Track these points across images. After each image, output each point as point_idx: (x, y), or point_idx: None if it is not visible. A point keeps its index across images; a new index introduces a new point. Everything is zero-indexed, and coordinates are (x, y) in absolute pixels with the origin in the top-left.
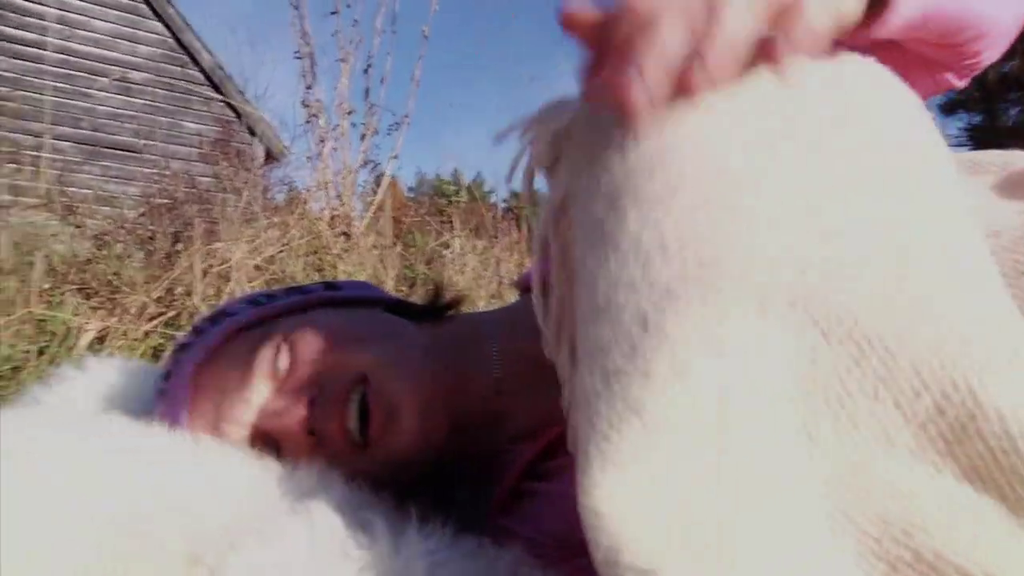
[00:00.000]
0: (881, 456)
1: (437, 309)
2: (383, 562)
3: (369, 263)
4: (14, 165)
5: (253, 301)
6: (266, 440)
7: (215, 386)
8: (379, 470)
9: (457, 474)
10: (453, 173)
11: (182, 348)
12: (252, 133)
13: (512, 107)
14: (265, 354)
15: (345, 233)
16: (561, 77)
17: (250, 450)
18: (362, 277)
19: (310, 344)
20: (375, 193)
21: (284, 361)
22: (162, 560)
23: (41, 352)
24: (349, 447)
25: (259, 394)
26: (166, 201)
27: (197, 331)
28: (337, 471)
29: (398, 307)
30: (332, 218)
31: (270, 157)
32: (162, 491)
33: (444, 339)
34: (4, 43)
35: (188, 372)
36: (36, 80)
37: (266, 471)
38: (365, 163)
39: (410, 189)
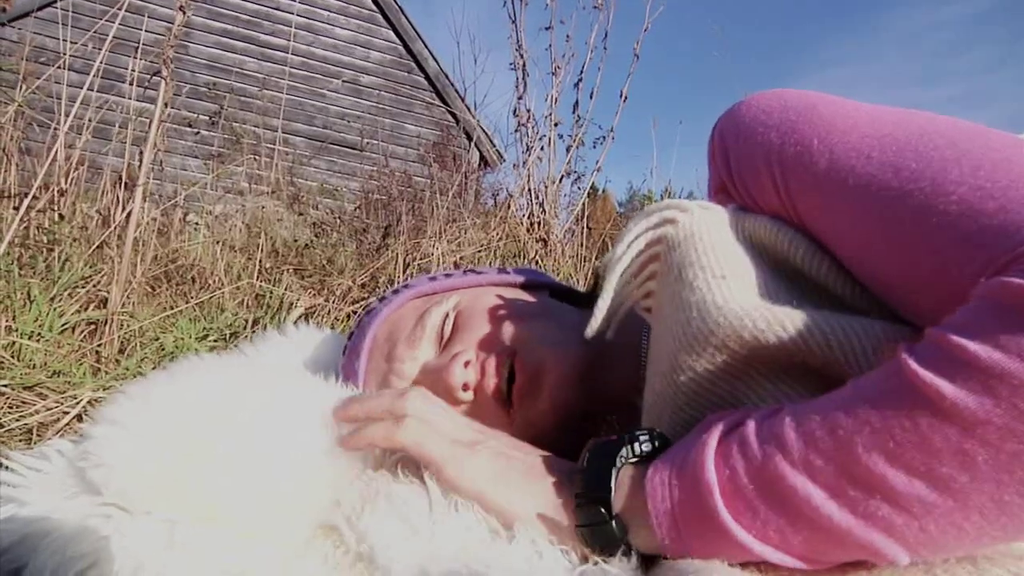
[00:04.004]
0: None
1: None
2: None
3: (564, 271)
4: (254, 156)
5: (432, 277)
6: None
7: (388, 344)
8: (519, 437)
9: None
10: (664, 190)
11: (368, 312)
12: (468, 138)
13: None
14: (434, 320)
15: (543, 239)
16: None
17: None
18: None
19: (474, 317)
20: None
21: (449, 328)
22: (313, 500)
23: (256, 321)
24: (496, 406)
25: (424, 352)
26: (382, 197)
27: (381, 299)
28: None
29: (563, 293)
30: (531, 224)
31: (485, 163)
32: (326, 438)
33: None
34: (257, 47)
35: (368, 331)
36: (280, 81)
37: None
38: (568, 173)
39: (620, 204)
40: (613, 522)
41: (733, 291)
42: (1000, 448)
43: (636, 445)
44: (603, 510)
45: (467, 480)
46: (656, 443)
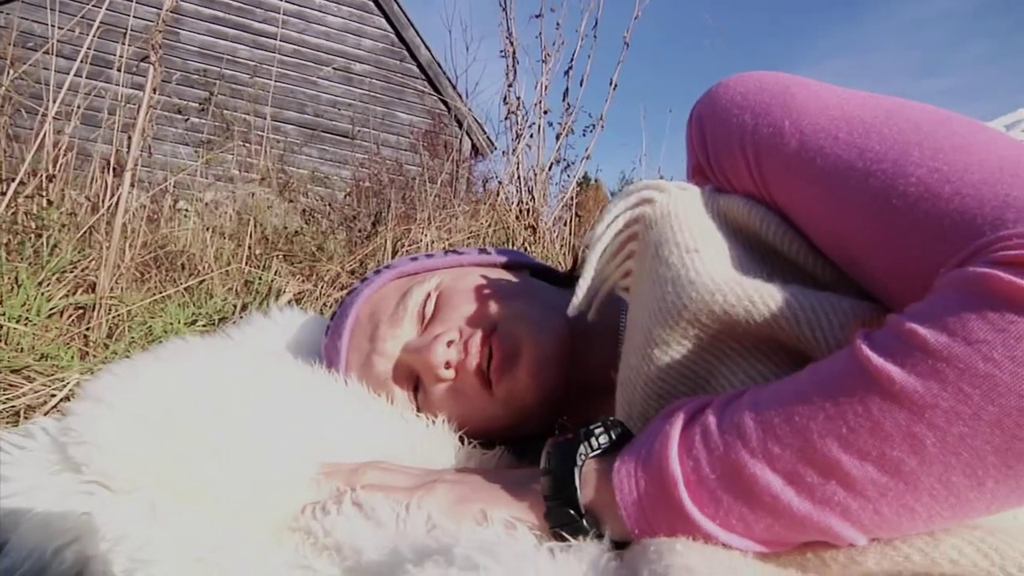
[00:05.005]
0: None
1: (577, 277)
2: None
3: (553, 258)
4: (244, 143)
5: (413, 258)
6: (407, 373)
7: (370, 323)
8: (502, 414)
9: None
10: (656, 177)
11: (350, 292)
12: (460, 126)
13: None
14: (416, 299)
15: (532, 227)
16: None
17: (392, 384)
18: None
19: (455, 296)
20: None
21: (431, 307)
22: (300, 483)
23: (245, 307)
24: (478, 384)
25: (406, 332)
26: (373, 185)
27: (363, 279)
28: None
29: (543, 273)
30: (521, 212)
31: (476, 151)
32: (311, 426)
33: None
34: (248, 35)
35: (350, 311)
36: (271, 68)
37: (398, 424)
38: (557, 161)
39: (613, 193)
40: (584, 520)
41: (706, 265)
42: (947, 431)
43: (593, 440)
44: (572, 511)
45: (434, 504)
46: (612, 433)
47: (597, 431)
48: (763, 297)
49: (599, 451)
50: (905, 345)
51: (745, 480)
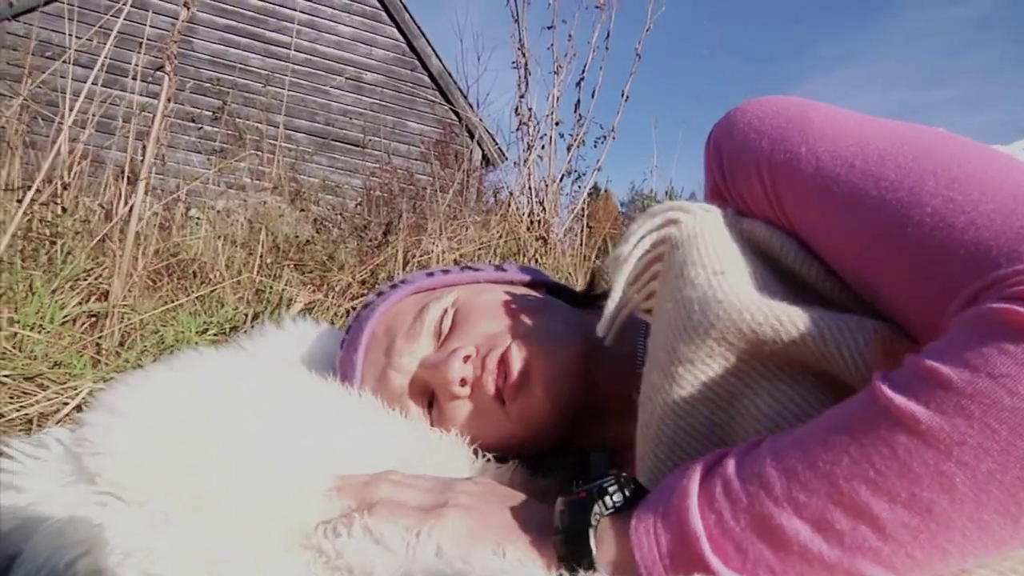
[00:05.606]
0: None
1: (593, 296)
2: None
3: (563, 269)
4: (256, 152)
5: (430, 273)
6: (422, 389)
7: (386, 338)
8: (517, 431)
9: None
10: (666, 191)
11: (365, 306)
12: (471, 136)
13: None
14: (433, 315)
15: (543, 238)
16: None
17: (407, 399)
18: None
19: (472, 313)
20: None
21: (447, 323)
22: (312, 496)
23: (256, 316)
24: (493, 401)
25: (422, 347)
26: (384, 194)
27: (379, 293)
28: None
29: (558, 291)
30: (532, 222)
31: (487, 161)
32: (322, 439)
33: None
34: (261, 44)
35: (366, 326)
36: (284, 77)
37: (410, 436)
38: (568, 172)
39: (623, 204)
40: None
41: (732, 286)
42: (976, 469)
43: (607, 498)
44: (590, 574)
45: (446, 535)
46: (626, 491)
47: (611, 488)
48: (790, 316)
49: (613, 510)
50: (927, 383)
51: (772, 530)
